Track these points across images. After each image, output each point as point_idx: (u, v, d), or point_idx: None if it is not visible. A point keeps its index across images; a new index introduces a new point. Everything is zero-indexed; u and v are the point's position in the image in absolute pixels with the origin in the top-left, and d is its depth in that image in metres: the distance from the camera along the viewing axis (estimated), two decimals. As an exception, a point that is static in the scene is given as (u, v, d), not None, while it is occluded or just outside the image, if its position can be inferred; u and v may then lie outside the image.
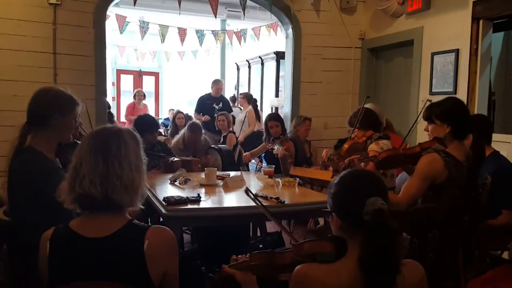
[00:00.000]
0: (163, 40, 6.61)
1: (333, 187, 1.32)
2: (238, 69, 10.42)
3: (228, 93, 10.81)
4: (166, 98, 12.49)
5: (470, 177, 2.17)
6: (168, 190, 2.93)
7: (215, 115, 5.83)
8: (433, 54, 4.26)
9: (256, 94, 9.19)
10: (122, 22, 5.92)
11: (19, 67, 4.12)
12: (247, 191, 2.38)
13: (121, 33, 6.39)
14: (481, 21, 3.83)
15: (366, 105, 4.02)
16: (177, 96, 12.95)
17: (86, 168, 1.29)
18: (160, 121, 10.04)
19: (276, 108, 8.14)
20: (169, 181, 3.12)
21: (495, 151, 2.80)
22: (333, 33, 5.15)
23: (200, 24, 8.13)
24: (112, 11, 5.58)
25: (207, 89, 6.77)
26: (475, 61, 3.87)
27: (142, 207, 1.37)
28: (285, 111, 5.45)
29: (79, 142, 2.30)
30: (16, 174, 1.87)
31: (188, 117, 8.41)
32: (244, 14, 4.26)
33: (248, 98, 6.80)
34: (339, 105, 5.28)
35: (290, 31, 5.09)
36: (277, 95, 8.30)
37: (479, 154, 2.19)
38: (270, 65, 8.66)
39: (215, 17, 4.56)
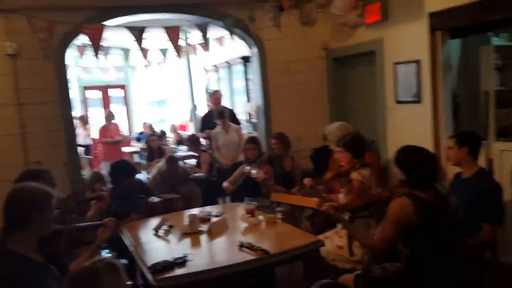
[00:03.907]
0: (126, 61, 6.53)
1: None
2: (206, 73, 10.37)
3: (199, 98, 10.74)
4: (136, 109, 12.36)
5: (439, 215, 2.30)
6: (153, 244, 2.96)
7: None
8: (395, 64, 4.36)
9: (226, 99, 9.18)
10: (82, 51, 5.81)
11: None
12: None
13: (81, 58, 6.28)
14: (438, 32, 3.94)
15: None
16: (147, 104, 12.82)
17: None
18: (134, 136, 9.96)
19: (250, 114, 8.17)
20: (152, 232, 3.15)
21: (481, 169, 3.00)
22: (297, 46, 5.19)
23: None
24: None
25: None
26: (436, 71, 3.98)
27: None
28: (259, 127, 5.50)
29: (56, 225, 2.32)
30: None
31: (162, 133, 8.38)
32: (208, 48, 4.25)
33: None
34: (310, 115, 5.37)
35: (254, 49, 5.11)
36: (248, 100, 8.32)
37: (439, 194, 2.34)
38: (238, 69, 8.65)
39: (179, 57, 4.57)
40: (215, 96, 6.05)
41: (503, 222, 2.92)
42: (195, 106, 9.00)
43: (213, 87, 9.78)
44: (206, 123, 5.95)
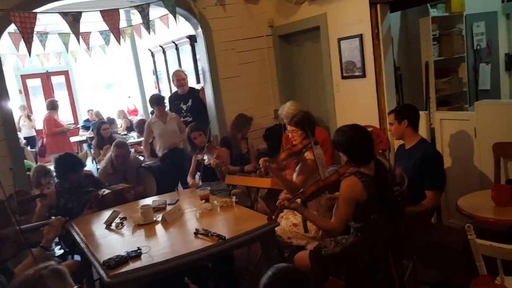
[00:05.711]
0: (67, 49, 6.17)
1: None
2: (152, 55, 10.03)
3: (147, 81, 10.44)
4: (81, 96, 11.87)
5: (384, 187, 2.40)
6: (105, 238, 2.89)
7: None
8: (339, 40, 4.41)
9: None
10: (17, 41, 5.43)
11: None
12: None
13: (17, 50, 5.88)
14: (378, 6, 4.01)
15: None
16: (94, 90, 12.34)
17: None
18: (81, 125, 9.59)
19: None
20: (105, 226, 3.07)
21: (422, 139, 3.12)
22: (243, 25, 5.13)
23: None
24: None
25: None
26: (378, 44, 4.07)
27: None
28: (210, 109, 5.43)
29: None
30: None
31: (111, 121, 8.10)
32: (149, 30, 4.09)
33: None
34: (261, 94, 5.37)
35: (199, 30, 4.99)
36: (198, 81, 8.17)
37: (381, 167, 2.42)
38: (186, 49, 8.43)
39: (119, 44, 4.38)
40: (177, 77, 5.33)
41: (444, 188, 3.09)
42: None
43: (161, 68, 9.50)
44: (172, 106, 5.49)
